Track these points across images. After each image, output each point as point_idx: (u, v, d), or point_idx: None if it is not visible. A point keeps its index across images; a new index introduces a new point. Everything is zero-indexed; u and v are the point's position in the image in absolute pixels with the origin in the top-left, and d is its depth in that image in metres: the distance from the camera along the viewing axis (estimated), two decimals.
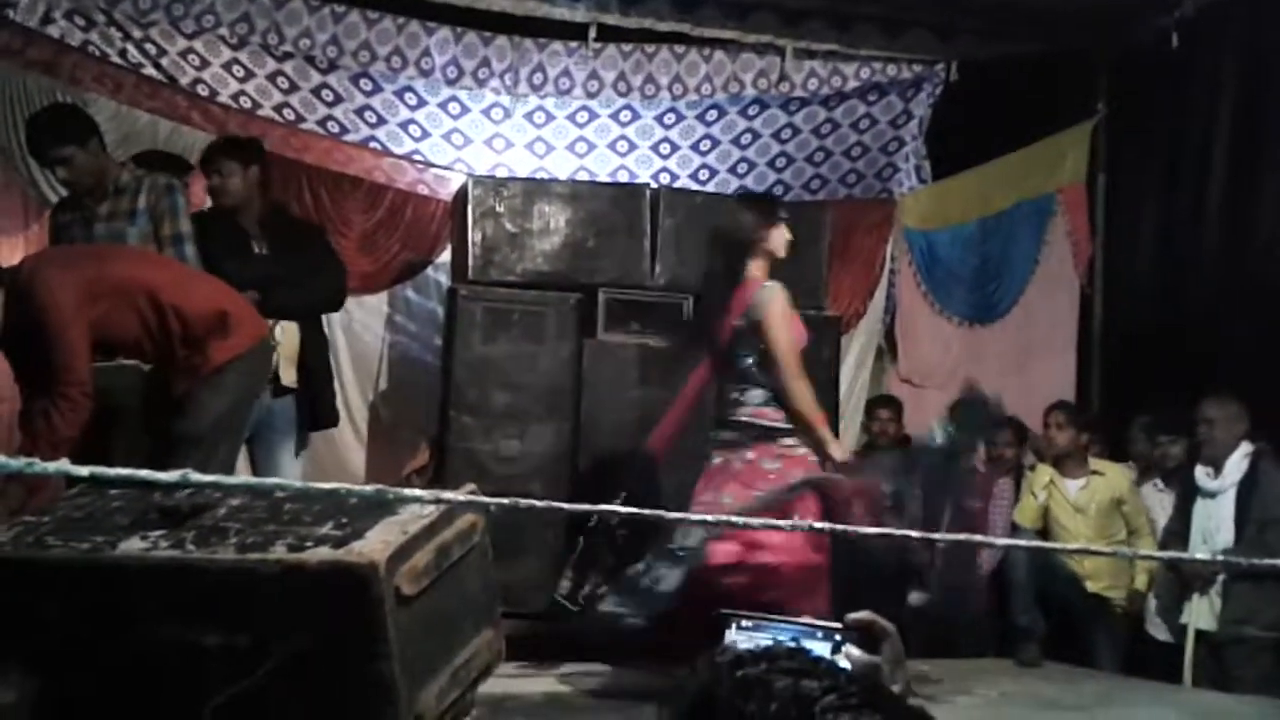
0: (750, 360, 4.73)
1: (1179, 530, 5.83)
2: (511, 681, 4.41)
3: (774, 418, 4.68)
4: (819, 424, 4.69)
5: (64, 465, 1.31)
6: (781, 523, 4.16)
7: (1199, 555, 5.63)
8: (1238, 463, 5.66)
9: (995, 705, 4.69)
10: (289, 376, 5.50)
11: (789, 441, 4.68)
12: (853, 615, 1.37)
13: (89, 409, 4.12)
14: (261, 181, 5.68)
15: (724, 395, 4.83)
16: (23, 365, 4.33)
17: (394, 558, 2.94)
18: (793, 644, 1.30)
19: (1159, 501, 6.24)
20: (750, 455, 4.67)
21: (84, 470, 1.33)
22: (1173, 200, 7.08)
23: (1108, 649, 6.05)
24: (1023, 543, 6.01)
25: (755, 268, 4.79)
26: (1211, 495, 5.70)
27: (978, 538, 3.86)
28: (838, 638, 1.33)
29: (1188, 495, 5.85)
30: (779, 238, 4.85)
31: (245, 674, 2.84)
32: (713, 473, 4.72)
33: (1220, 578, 5.56)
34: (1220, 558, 5.48)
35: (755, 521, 4.13)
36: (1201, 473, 5.78)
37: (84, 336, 4.13)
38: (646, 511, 2.26)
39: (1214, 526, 5.66)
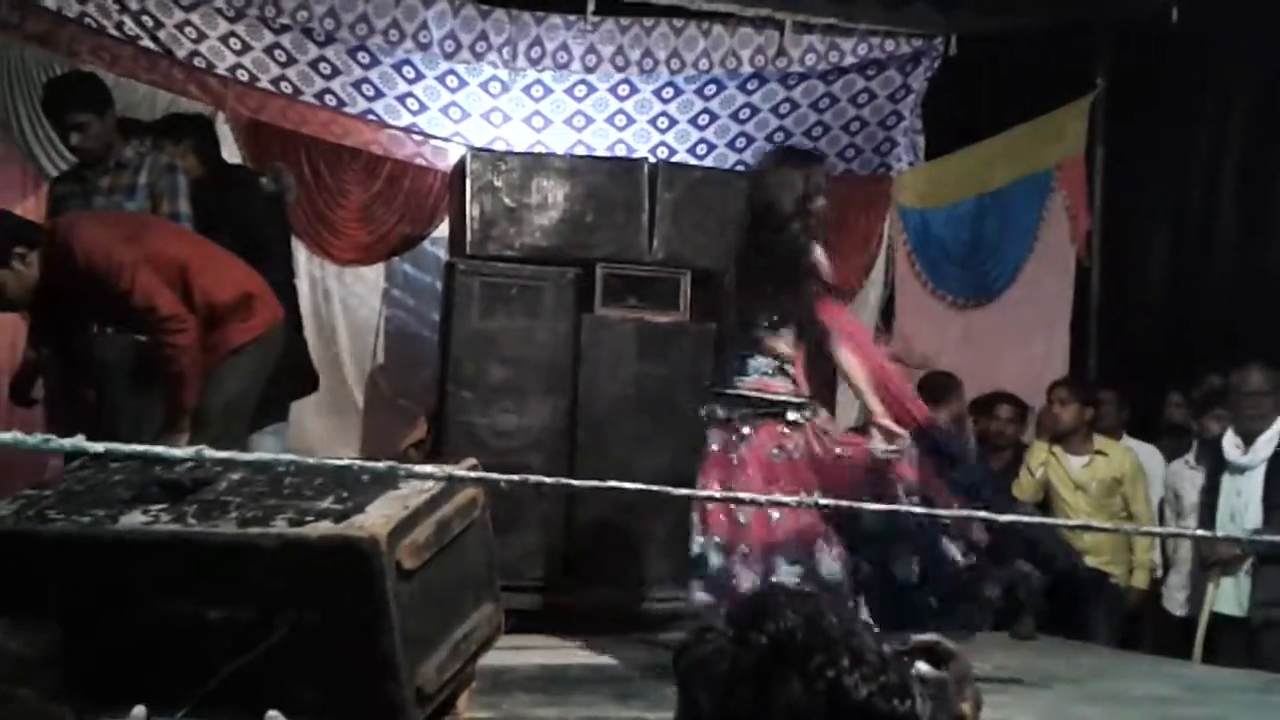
0: None
1: (1209, 508, 5.69)
2: (511, 654, 4.42)
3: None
4: None
5: (79, 441, 1.31)
6: (788, 499, 4.14)
7: (1200, 533, 5.57)
8: (1270, 439, 5.51)
9: (990, 678, 4.71)
10: None
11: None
12: (918, 637, 1.42)
13: (195, 332, 4.15)
14: (201, 153, 5.65)
15: None
16: (51, 326, 4.46)
17: (395, 532, 2.95)
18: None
19: (1190, 479, 6.06)
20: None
21: (99, 446, 1.33)
22: (1172, 174, 7.07)
23: (1104, 623, 6.04)
24: (1024, 518, 5.95)
25: None
26: (1240, 471, 5.56)
27: (981, 514, 3.84)
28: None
29: (1216, 470, 5.70)
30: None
31: (247, 647, 2.85)
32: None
33: (1250, 560, 5.44)
34: (1244, 536, 5.37)
35: (760, 498, 4.10)
36: (1231, 445, 5.61)
37: (149, 273, 4.13)
38: (641, 486, 2.19)
39: (1242, 504, 5.53)
